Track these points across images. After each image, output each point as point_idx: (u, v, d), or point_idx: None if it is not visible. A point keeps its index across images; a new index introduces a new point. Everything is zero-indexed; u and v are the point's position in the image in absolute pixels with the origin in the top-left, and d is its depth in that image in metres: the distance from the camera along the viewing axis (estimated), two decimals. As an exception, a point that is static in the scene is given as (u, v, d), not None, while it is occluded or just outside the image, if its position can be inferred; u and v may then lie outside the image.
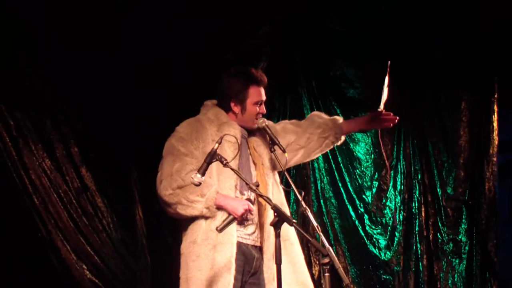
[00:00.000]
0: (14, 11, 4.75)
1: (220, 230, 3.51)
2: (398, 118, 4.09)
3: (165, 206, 3.66)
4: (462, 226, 6.31)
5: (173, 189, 3.59)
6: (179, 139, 3.75)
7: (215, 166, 3.51)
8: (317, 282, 5.70)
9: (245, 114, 3.87)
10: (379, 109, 4.03)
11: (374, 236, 6.27)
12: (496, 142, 6.22)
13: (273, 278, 3.75)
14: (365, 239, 6.25)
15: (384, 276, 6.24)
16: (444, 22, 6.22)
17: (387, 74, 4.08)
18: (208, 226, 3.66)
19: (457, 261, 6.28)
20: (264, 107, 3.91)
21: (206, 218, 3.66)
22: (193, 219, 3.67)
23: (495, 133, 6.23)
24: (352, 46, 6.24)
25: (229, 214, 3.62)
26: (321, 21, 6.10)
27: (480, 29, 6.18)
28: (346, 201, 6.25)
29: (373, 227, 6.28)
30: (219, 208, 3.66)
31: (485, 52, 6.24)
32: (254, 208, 3.76)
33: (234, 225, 3.69)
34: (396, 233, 6.30)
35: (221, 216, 3.65)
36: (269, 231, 3.79)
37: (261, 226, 3.84)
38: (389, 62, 4.07)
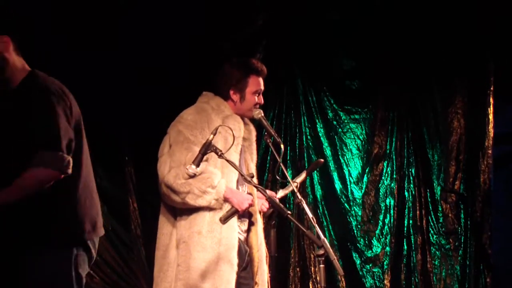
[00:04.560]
0: (13, 8, 4.73)
1: (224, 221, 3.54)
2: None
3: (171, 193, 3.64)
4: (457, 218, 6.32)
5: (185, 179, 3.58)
6: (188, 126, 3.73)
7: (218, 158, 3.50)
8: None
9: (243, 103, 3.89)
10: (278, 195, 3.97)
11: (366, 228, 6.28)
12: (492, 135, 6.21)
13: (256, 271, 3.84)
14: (356, 231, 6.27)
15: (374, 270, 6.25)
16: (440, 13, 6.21)
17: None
18: (212, 218, 3.68)
19: (451, 253, 6.29)
20: (262, 97, 3.95)
21: (210, 209, 3.67)
22: (196, 208, 3.67)
23: (491, 125, 6.23)
24: (347, 38, 6.24)
25: (232, 206, 3.63)
26: (317, 13, 6.10)
27: (477, 21, 6.18)
28: (337, 192, 6.26)
29: (365, 219, 6.29)
30: (226, 200, 3.68)
31: (481, 44, 6.24)
32: None
33: (235, 220, 3.73)
34: (388, 225, 6.31)
35: (224, 208, 3.68)
36: (257, 226, 3.88)
37: (250, 223, 3.91)
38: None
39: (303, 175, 4.12)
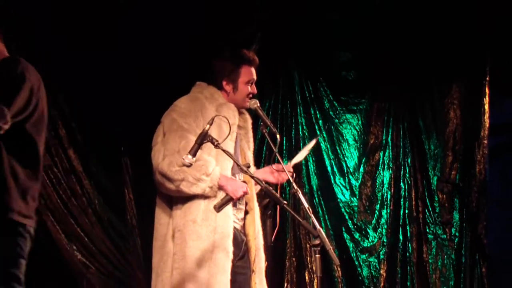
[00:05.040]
0: (13, 8, 4.72)
1: (218, 209, 3.52)
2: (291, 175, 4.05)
3: (165, 181, 3.64)
4: (452, 208, 6.34)
5: (179, 166, 3.59)
6: (182, 114, 3.75)
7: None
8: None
9: (236, 93, 3.92)
10: (288, 165, 4.02)
11: (361, 218, 6.29)
12: (487, 125, 6.22)
13: (254, 259, 3.86)
14: (351, 221, 6.28)
15: (370, 259, 6.27)
16: (436, 7, 6.21)
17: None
18: (207, 206, 3.68)
19: (446, 243, 6.30)
20: (254, 87, 3.96)
21: (205, 198, 3.67)
22: (191, 197, 3.67)
23: (486, 116, 6.23)
24: (344, 30, 6.23)
25: (227, 194, 3.63)
26: (314, 5, 6.09)
27: (473, 14, 6.18)
28: (333, 183, 6.26)
29: (361, 209, 6.30)
30: (220, 188, 3.68)
31: (477, 35, 6.24)
32: None
33: (230, 208, 3.74)
34: (384, 215, 6.32)
35: (219, 196, 3.68)
36: (254, 214, 3.89)
37: (246, 211, 3.92)
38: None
39: (304, 153, 4.14)
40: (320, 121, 6.28)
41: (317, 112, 6.27)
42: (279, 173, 4.01)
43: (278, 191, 4.05)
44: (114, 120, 5.24)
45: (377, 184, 6.35)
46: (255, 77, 3.95)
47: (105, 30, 5.04)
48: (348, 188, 6.29)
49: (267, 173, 4.06)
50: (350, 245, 6.25)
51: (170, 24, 5.29)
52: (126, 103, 5.22)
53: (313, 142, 4.23)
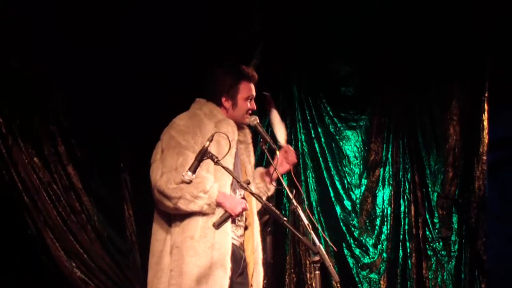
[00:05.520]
0: (10, 8, 4.73)
1: (217, 227, 3.51)
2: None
3: (163, 199, 3.64)
4: (452, 224, 6.33)
5: (177, 184, 3.59)
6: (180, 131, 3.75)
7: (212, 163, 3.50)
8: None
9: (236, 110, 3.92)
10: (283, 146, 4.05)
11: (362, 234, 6.28)
12: (486, 141, 6.23)
13: (252, 274, 3.86)
14: (351, 237, 6.27)
15: (371, 276, 6.25)
16: (436, 18, 6.23)
17: (270, 107, 4.14)
18: (205, 223, 3.68)
19: (446, 259, 6.30)
20: (254, 103, 3.96)
21: (203, 214, 3.67)
22: (189, 214, 3.67)
23: (485, 132, 6.24)
24: (344, 44, 6.25)
25: (226, 211, 3.63)
26: (313, 19, 6.10)
27: (473, 27, 6.19)
28: (333, 199, 6.26)
29: (362, 225, 6.29)
30: (218, 205, 3.67)
31: (476, 50, 6.26)
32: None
33: (229, 225, 3.73)
34: (384, 231, 6.32)
35: (217, 213, 3.67)
36: (253, 229, 3.90)
37: (244, 227, 3.91)
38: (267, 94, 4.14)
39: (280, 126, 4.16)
40: (322, 138, 6.28)
41: (318, 128, 6.27)
42: (286, 156, 4.04)
43: (293, 176, 4.16)
44: (115, 122, 5.21)
45: (377, 200, 6.34)
46: (254, 93, 3.95)
47: (105, 30, 5.04)
48: (348, 204, 6.29)
49: (280, 166, 4.04)
50: (351, 261, 6.24)
51: (170, 24, 5.28)
52: (126, 105, 5.20)
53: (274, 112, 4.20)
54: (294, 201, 3.54)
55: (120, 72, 5.12)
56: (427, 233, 6.33)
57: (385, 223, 6.33)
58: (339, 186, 6.29)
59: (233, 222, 3.79)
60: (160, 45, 5.26)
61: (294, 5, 5.92)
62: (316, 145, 6.26)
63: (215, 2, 5.46)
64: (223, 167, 3.38)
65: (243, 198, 3.81)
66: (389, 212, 6.34)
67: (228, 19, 5.52)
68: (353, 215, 6.28)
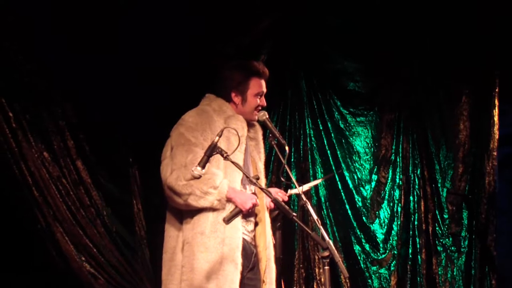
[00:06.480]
0: (15, 9, 4.73)
1: (227, 221, 3.51)
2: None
3: (174, 195, 3.65)
4: (462, 220, 6.32)
5: (186, 180, 3.59)
6: (189, 128, 3.74)
7: (222, 158, 3.50)
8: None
9: (245, 106, 3.89)
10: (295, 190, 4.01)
11: (371, 230, 6.28)
12: (497, 137, 6.21)
13: (265, 269, 3.84)
14: (362, 233, 6.26)
15: (381, 271, 6.25)
16: (445, 15, 6.20)
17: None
18: (216, 218, 3.67)
19: (456, 255, 6.29)
20: (264, 99, 3.93)
21: (213, 210, 3.67)
22: (200, 210, 3.67)
23: (496, 127, 6.22)
24: (352, 40, 6.23)
25: (236, 206, 3.62)
26: (321, 15, 6.09)
27: (482, 23, 6.16)
28: (343, 194, 6.25)
29: (371, 221, 6.29)
30: (229, 200, 3.67)
31: (486, 46, 6.23)
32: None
33: (239, 221, 3.72)
34: (394, 227, 6.31)
35: (228, 209, 3.67)
36: (264, 225, 3.87)
37: (255, 223, 3.89)
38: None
39: (315, 182, 4.13)
40: (332, 133, 6.27)
41: (328, 123, 6.27)
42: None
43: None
44: (118, 122, 5.21)
45: (387, 195, 6.33)
46: (264, 89, 3.91)
47: (105, 30, 5.03)
48: (358, 199, 6.28)
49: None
50: (362, 256, 6.23)
51: (170, 24, 5.28)
52: (135, 101, 5.21)
53: (331, 175, 4.19)
54: (303, 196, 3.53)
55: (126, 71, 5.12)
56: (437, 229, 6.31)
57: (395, 218, 6.32)
58: (349, 182, 6.28)
59: (243, 217, 3.78)
60: (160, 45, 5.25)
61: (303, 1, 5.90)
62: (325, 140, 6.25)
63: (215, 2, 5.44)
64: (233, 162, 3.37)
65: (254, 193, 3.80)
66: (399, 208, 6.33)
67: (229, 19, 5.50)
68: (364, 210, 6.28)
